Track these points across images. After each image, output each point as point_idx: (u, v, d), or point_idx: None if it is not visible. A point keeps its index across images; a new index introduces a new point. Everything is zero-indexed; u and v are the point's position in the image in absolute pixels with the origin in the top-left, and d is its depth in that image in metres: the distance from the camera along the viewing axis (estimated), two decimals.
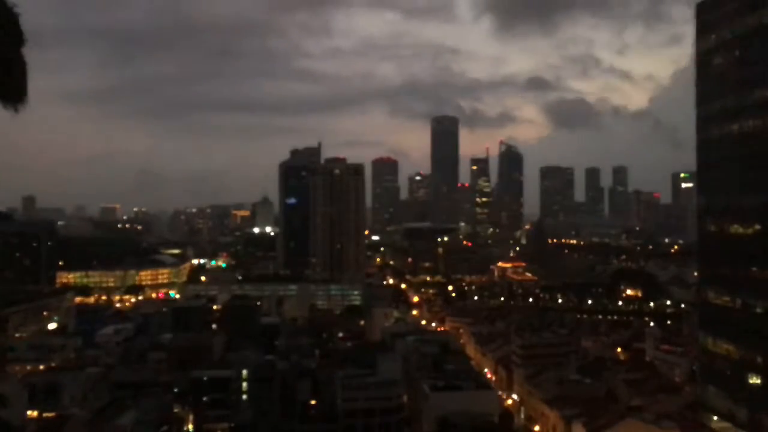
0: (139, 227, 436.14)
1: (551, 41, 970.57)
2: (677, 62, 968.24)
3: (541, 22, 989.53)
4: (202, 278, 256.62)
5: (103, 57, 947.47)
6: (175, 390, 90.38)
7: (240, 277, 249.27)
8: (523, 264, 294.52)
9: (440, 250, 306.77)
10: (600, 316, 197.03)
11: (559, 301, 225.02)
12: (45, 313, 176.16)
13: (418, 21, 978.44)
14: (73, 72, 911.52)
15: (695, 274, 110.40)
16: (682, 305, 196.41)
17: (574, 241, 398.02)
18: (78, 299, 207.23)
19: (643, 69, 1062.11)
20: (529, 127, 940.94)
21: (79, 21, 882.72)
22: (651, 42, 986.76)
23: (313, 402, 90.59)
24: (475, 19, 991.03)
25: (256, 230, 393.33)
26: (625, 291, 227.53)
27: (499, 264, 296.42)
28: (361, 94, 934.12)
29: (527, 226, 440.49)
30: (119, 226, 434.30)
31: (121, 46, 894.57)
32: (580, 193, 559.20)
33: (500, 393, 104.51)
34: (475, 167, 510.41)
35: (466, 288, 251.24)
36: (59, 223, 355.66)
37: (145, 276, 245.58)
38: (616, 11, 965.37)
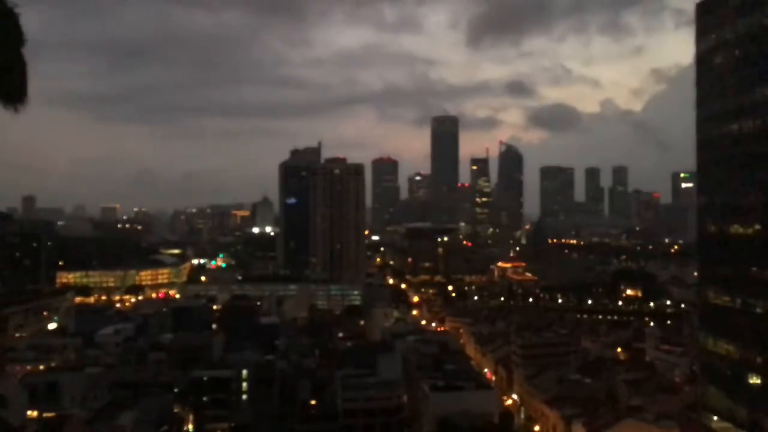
0: (139, 227, 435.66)
1: (519, 54, 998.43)
2: (640, 70, 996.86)
3: (507, 37, 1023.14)
4: (202, 278, 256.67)
5: (99, 66, 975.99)
6: (175, 390, 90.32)
7: (240, 277, 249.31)
8: (523, 264, 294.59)
9: (440, 250, 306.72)
10: (600, 316, 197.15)
11: (559, 301, 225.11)
12: (45, 313, 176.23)
13: (390, 34, 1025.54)
14: (72, 80, 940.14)
15: (695, 274, 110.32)
16: (682, 305, 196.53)
17: (574, 241, 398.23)
18: (78, 299, 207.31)
19: (611, 77, 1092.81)
20: (515, 130, 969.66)
21: (77, 34, 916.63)
22: (614, 52, 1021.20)
23: (313, 402, 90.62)
24: (445, 33, 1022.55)
25: (256, 230, 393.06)
26: (625, 291, 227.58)
27: (499, 264, 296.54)
28: (346, 99, 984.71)
29: (527, 226, 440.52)
30: (119, 226, 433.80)
31: (117, 57, 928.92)
32: (580, 193, 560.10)
33: (500, 393, 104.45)
34: (475, 167, 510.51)
35: (466, 288, 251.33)
36: (59, 223, 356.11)
37: (145, 276, 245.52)
38: (579, 25, 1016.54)
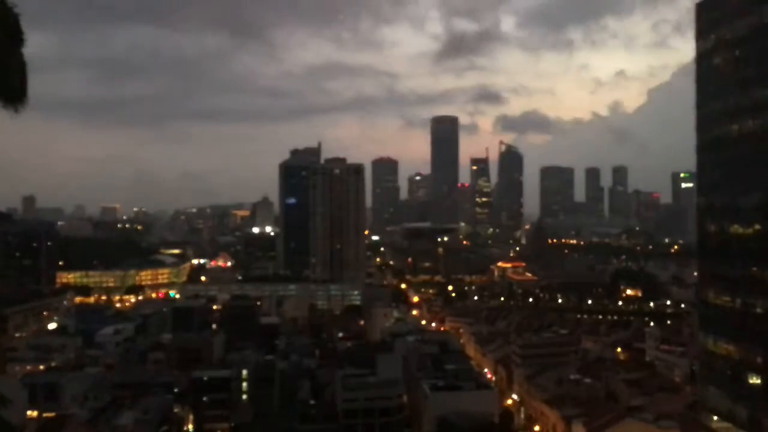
0: (139, 227, 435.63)
1: (473, 68, 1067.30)
2: (585, 82, 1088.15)
3: (462, 55, 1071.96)
4: (202, 278, 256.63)
5: (95, 79, 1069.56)
6: (175, 390, 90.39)
7: (240, 277, 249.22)
8: (523, 264, 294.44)
9: (440, 250, 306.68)
10: (600, 316, 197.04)
11: (559, 301, 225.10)
12: (45, 313, 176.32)
13: (350, 51, 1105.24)
14: (70, 90, 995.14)
15: (695, 274, 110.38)
16: (682, 305, 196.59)
17: (574, 241, 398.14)
18: (78, 299, 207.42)
19: (564, 89, 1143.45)
20: (490, 135, 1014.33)
21: (75, 52, 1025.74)
22: (563, 67, 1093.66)
23: (313, 402, 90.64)
24: (400, 51, 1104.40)
25: (256, 230, 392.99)
26: (625, 291, 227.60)
27: (499, 264, 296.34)
28: (325, 107, 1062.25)
29: (527, 226, 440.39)
30: (119, 226, 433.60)
31: (110, 71, 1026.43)
32: (580, 193, 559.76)
33: (500, 393, 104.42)
34: (475, 167, 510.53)
35: (466, 288, 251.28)
36: (59, 223, 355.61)
37: (145, 276, 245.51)
38: (526, 43, 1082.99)
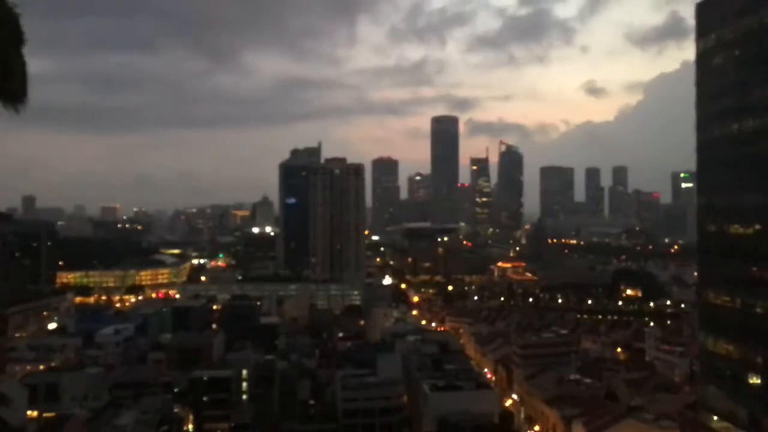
0: (139, 227, 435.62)
1: (432, 84, 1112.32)
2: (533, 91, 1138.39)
3: (418, 72, 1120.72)
4: (202, 278, 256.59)
5: (88, 92, 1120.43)
6: (175, 390, 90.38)
7: (240, 277, 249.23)
8: (523, 264, 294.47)
9: (440, 250, 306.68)
10: (600, 316, 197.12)
11: (559, 301, 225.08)
12: (45, 313, 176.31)
13: (314, 69, 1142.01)
14: (66, 100, 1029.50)
15: (695, 274, 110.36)
16: (682, 305, 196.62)
17: (574, 241, 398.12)
18: (78, 299, 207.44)
19: (518, 104, 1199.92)
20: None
21: (70, 69, 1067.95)
22: (522, 86, 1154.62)
23: (313, 402, 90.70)
24: (363, 69, 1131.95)
25: (256, 230, 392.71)
26: (625, 291, 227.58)
27: (499, 264, 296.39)
28: (298, 115, 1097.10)
29: (527, 226, 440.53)
30: (119, 226, 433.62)
31: (102, 86, 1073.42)
32: (580, 193, 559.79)
33: (500, 393, 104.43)
34: (475, 167, 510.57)
35: (466, 288, 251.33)
36: (59, 223, 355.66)
37: (145, 276, 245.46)
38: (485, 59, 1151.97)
